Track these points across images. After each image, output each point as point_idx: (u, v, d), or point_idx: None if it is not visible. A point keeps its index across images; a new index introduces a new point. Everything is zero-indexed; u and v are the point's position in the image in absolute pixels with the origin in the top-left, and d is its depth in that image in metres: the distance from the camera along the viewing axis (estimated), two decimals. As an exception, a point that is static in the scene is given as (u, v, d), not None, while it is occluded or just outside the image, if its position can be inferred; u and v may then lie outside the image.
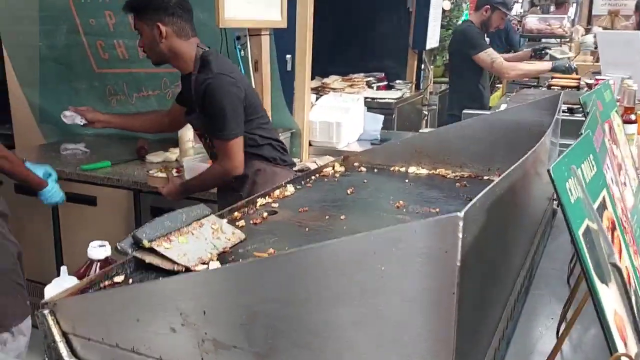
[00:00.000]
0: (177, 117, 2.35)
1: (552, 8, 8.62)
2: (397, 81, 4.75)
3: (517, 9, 8.38)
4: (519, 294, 1.03)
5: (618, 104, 2.29)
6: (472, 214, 0.62)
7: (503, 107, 2.91)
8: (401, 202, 1.34)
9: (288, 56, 3.18)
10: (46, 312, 0.85)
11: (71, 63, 3.33)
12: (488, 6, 3.50)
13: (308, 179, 1.56)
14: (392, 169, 1.69)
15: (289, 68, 3.18)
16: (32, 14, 3.27)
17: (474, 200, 0.62)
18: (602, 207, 0.77)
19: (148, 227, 1.01)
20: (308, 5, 3.07)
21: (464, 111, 3.08)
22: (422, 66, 5.12)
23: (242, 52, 2.65)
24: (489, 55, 3.55)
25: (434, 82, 5.40)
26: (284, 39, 3.00)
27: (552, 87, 3.53)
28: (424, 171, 1.66)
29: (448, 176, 1.61)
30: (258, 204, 1.34)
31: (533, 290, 1.14)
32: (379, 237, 0.63)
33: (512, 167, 0.78)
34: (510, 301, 0.96)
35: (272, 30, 2.73)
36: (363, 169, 1.69)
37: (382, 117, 3.58)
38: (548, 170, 0.62)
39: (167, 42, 2.03)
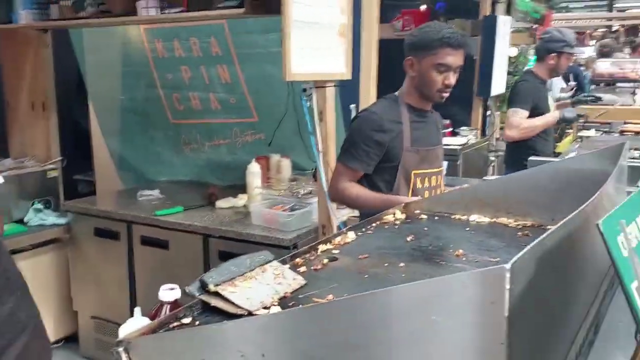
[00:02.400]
0: None
1: (627, 50, 8.39)
2: (462, 128, 4.73)
3: (588, 53, 8.20)
4: (582, 347, 1.01)
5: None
6: (521, 265, 0.64)
7: (572, 154, 2.85)
8: (461, 250, 1.35)
9: (352, 105, 3.27)
10: (120, 349, 0.92)
11: (149, 114, 3.57)
12: (554, 54, 3.45)
13: (369, 226, 1.59)
14: (453, 216, 1.69)
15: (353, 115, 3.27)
16: (116, 69, 3.55)
17: (523, 251, 0.64)
18: (661, 260, 0.77)
19: (214, 272, 1.08)
20: (372, 57, 3.16)
21: (529, 158, 3.03)
22: (488, 112, 5.09)
23: (309, 103, 2.76)
24: (514, 112, 3.47)
25: (500, 129, 5.34)
26: (349, 88, 3.09)
27: (624, 133, 3.42)
28: (485, 219, 1.66)
29: (510, 225, 1.60)
30: (319, 250, 1.38)
31: (598, 343, 1.11)
32: (429, 287, 0.65)
33: (566, 218, 0.79)
34: (571, 354, 0.94)
35: (337, 82, 2.83)
36: (424, 216, 1.70)
37: (446, 163, 3.57)
38: (597, 225, 0.63)
39: None
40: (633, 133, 3.39)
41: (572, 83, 6.16)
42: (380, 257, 1.34)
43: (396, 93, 2.27)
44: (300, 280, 1.19)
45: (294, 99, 2.75)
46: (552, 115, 3.41)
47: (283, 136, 3.11)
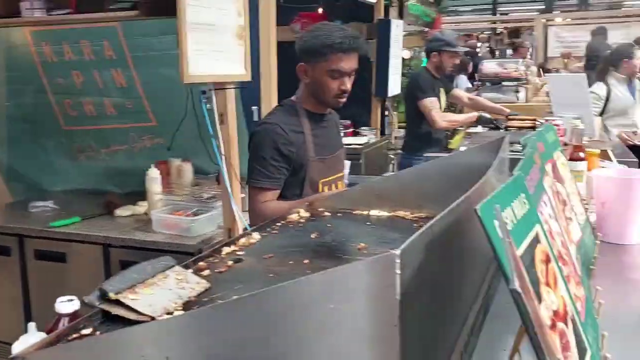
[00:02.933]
0: None
1: (510, 52, 9.02)
2: (363, 127, 4.89)
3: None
4: (473, 328, 1.08)
5: (566, 143, 2.42)
6: (410, 251, 0.68)
7: (462, 149, 3.03)
8: (362, 244, 1.40)
9: (254, 108, 3.27)
10: (14, 367, 0.88)
11: (39, 121, 3.37)
12: (436, 53, 3.67)
13: (274, 226, 1.61)
14: (355, 212, 1.75)
15: (255, 119, 3.27)
16: (-1, 75, 3.32)
17: (411, 238, 0.68)
18: (536, 241, 0.84)
19: (114, 280, 1.05)
20: (272, 59, 3.19)
21: (425, 154, 3.19)
22: (386, 113, 5.29)
23: (208, 106, 2.73)
24: (431, 103, 3.67)
25: (399, 127, 5.57)
26: (250, 90, 3.10)
27: (509, 129, 3.69)
28: (384, 214, 1.73)
29: (407, 217, 1.68)
30: (223, 253, 1.38)
31: (488, 324, 1.20)
32: (326, 278, 0.68)
33: (450, 206, 0.85)
34: (463, 335, 1.01)
35: (237, 83, 2.82)
36: (327, 213, 1.75)
37: (349, 162, 3.67)
38: (475, 209, 0.69)
39: None
40: (516, 129, 3.65)
41: (478, 83, 6.54)
42: (285, 255, 1.36)
43: (293, 98, 2.20)
44: (205, 284, 1.18)
45: (193, 102, 2.71)
46: (471, 116, 3.68)
47: (184, 140, 3.05)
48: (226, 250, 1.39)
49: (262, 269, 1.28)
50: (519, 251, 0.76)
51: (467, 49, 6.81)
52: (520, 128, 3.68)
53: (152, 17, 2.53)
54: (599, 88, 4.42)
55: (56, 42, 3.06)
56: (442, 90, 3.76)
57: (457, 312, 1.00)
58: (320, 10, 5.02)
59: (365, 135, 4.79)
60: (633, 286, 1.41)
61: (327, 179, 2.18)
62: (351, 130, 4.96)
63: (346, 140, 4.79)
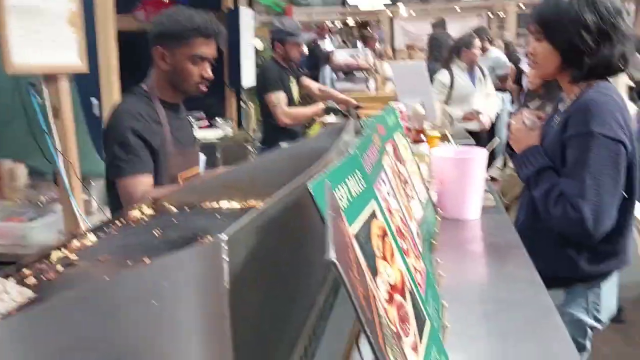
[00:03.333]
0: None
1: (359, 44, 9.38)
2: (217, 119, 4.78)
3: (327, 46, 8.94)
4: (322, 310, 1.07)
5: (409, 127, 2.54)
6: (239, 236, 0.64)
7: (316, 137, 3.07)
8: (210, 237, 1.33)
9: (95, 102, 3.04)
10: None
11: None
12: (278, 43, 3.61)
13: (113, 225, 1.48)
14: (204, 205, 1.67)
15: (96, 112, 3.04)
16: None
17: (239, 222, 0.64)
18: (372, 216, 0.84)
19: None
20: (111, 49, 2.98)
21: (281, 144, 3.18)
22: (243, 104, 5.23)
23: (39, 99, 2.47)
24: (276, 98, 3.59)
25: (258, 120, 5.52)
26: (88, 82, 2.87)
27: (359, 117, 3.80)
28: (235, 205, 1.67)
29: (259, 207, 1.63)
30: (53, 258, 1.24)
31: (339, 307, 1.19)
32: (148, 271, 0.61)
33: (283, 188, 0.82)
34: (311, 318, 0.99)
35: (72, 75, 2.59)
36: (174, 209, 1.65)
37: (204, 157, 3.55)
38: (307, 187, 0.66)
39: None
40: (367, 116, 3.78)
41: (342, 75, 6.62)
42: (124, 256, 1.25)
43: (143, 86, 2.03)
44: (29, 294, 1.05)
45: (21, 96, 2.44)
46: (318, 107, 3.65)
47: (13, 139, 2.75)
48: (57, 254, 1.24)
49: (98, 272, 1.16)
50: (356, 226, 0.75)
51: (314, 37, 6.86)
52: (370, 115, 3.81)
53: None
54: (443, 76, 4.74)
55: None
56: (293, 80, 3.74)
57: (303, 297, 0.98)
58: (165, -1, 4.80)
59: (221, 128, 4.69)
60: (471, 258, 1.50)
61: (186, 173, 2.06)
62: (206, 123, 4.82)
63: (201, 133, 4.65)
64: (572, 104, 1.59)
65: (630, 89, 3.97)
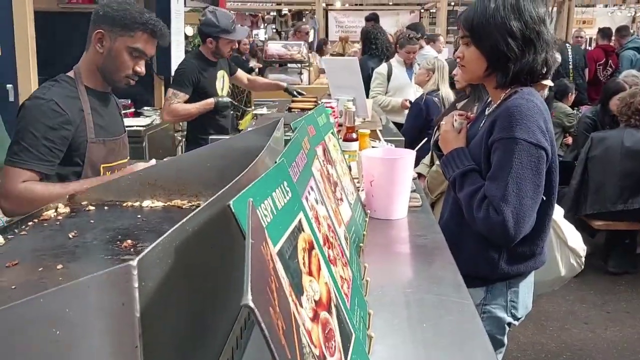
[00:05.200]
0: None
1: (291, 35, 9.32)
2: (145, 108, 4.61)
3: (262, 35, 8.84)
4: (236, 345, 1.02)
5: (340, 124, 2.53)
6: (154, 259, 0.59)
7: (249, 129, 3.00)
8: (129, 241, 1.27)
9: (9, 86, 2.85)
10: None
11: None
12: (210, 38, 3.45)
13: (23, 226, 1.38)
14: (124, 204, 1.59)
15: (11, 98, 2.86)
16: None
17: (154, 244, 0.59)
18: (299, 230, 0.81)
19: None
20: (28, 31, 2.80)
21: (210, 137, 3.10)
22: (171, 92, 5.06)
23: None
24: (174, 95, 3.43)
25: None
26: (2, 66, 2.68)
27: (292, 110, 3.77)
28: (159, 204, 1.60)
29: (184, 207, 1.58)
30: (-50, 264, 1.14)
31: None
32: (49, 299, 0.56)
33: (209, 200, 0.78)
34: (235, 330, 0.96)
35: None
36: (92, 208, 1.56)
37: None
38: (229, 206, 0.63)
39: None
40: (299, 110, 3.75)
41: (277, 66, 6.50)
42: (35, 261, 1.17)
43: (70, 74, 1.97)
44: None
45: None
46: (207, 103, 3.40)
47: None
48: (-45, 260, 1.15)
49: (4, 279, 1.08)
50: (281, 241, 0.72)
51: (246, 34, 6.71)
52: (303, 109, 3.78)
53: None
54: (382, 68, 4.95)
55: None
56: (222, 73, 3.60)
57: (225, 314, 0.94)
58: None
59: (149, 116, 4.52)
60: (396, 259, 1.51)
61: (109, 165, 2.01)
62: (132, 110, 4.65)
63: (127, 121, 4.46)
64: (497, 108, 1.63)
65: (550, 88, 4.17)
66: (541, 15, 1.60)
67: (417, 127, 3.91)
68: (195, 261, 0.73)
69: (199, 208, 0.74)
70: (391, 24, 9.38)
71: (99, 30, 1.91)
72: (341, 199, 1.44)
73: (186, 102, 3.40)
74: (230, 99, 3.53)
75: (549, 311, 3.63)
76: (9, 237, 1.30)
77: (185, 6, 5.12)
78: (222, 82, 3.60)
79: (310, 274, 0.78)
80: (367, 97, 4.65)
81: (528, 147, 1.50)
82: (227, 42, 3.43)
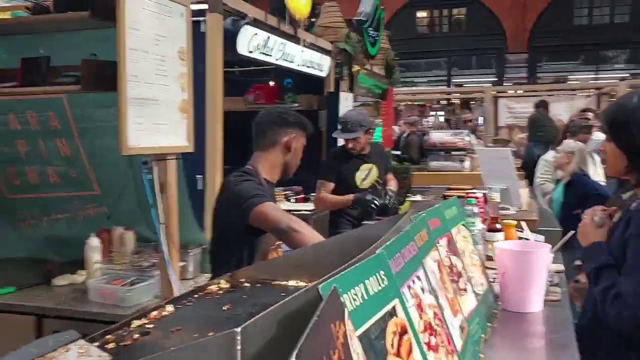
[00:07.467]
0: None
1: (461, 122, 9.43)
2: (313, 194, 5.00)
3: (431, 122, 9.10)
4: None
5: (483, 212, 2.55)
6: (256, 329, 0.75)
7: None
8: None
9: (198, 176, 3.35)
10: None
11: (-20, 190, 3.37)
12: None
13: (190, 297, 1.65)
14: (273, 282, 1.81)
15: (199, 187, 3.35)
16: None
17: (259, 315, 0.76)
18: (390, 314, 0.93)
19: (12, 356, 1.08)
20: (217, 131, 3.31)
21: (362, 222, 3.29)
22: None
23: (150, 176, 2.79)
24: (321, 185, 3.73)
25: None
26: (193, 159, 3.18)
27: (447, 198, 3.84)
28: (302, 284, 1.79)
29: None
30: (133, 326, 1.42)
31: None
32: (170, 356, 0.74)
33: (318, 281, 0.93)
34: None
35: (179, 154, 2.91)
36: (247, 284, 1.80)
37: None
38: (317, 289, 0.77)
39: None
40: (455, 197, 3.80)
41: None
42: (193, 328, 1.40)
43: (249, 167, 2.36)
44: (106, 357, 1.22)
45: (134, 172, 2.78)
46: (347, 199, 3.58)
47: (127, 208, 3.10)
48: (136, 322, 1.42)
49: (166, 342, 1.31)
50: (366, 325, 0.84)
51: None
52: (460, 197, 3.83)
53: (95, 91, 2.63)
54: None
55: (2, 113, 3.13)
56: (370, 166, 3.76)
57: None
58: (272, 83, 5.23)
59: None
60: (520, 353, 1.50)
61: (273, 245, 2.33)
62: (302, 196, 5.09)
63: (297, 206, 4.91)
64: (637, 204, 1.59)
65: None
66: None
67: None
68: (293, 335, 0.88)
69: (302, 289, 0.90)
70: (565, 109, 9.03)
71: (294, 136, 2.33)
72: (464, 290, 1.50)
73: (333, 191, 3.66)
74: (372, 195, 3.58)
75: None
76: (178, 306, 1.57)
77: (353, 101, 5.54)
78: (365, 174, 3.78)
79: (397, 354, 0.89)
80: (532, 184, 4.55)
81: None
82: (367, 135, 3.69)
